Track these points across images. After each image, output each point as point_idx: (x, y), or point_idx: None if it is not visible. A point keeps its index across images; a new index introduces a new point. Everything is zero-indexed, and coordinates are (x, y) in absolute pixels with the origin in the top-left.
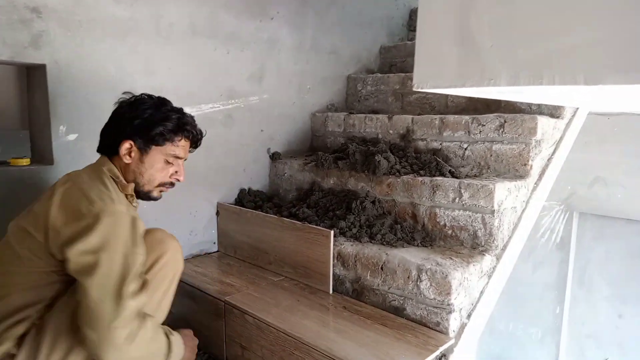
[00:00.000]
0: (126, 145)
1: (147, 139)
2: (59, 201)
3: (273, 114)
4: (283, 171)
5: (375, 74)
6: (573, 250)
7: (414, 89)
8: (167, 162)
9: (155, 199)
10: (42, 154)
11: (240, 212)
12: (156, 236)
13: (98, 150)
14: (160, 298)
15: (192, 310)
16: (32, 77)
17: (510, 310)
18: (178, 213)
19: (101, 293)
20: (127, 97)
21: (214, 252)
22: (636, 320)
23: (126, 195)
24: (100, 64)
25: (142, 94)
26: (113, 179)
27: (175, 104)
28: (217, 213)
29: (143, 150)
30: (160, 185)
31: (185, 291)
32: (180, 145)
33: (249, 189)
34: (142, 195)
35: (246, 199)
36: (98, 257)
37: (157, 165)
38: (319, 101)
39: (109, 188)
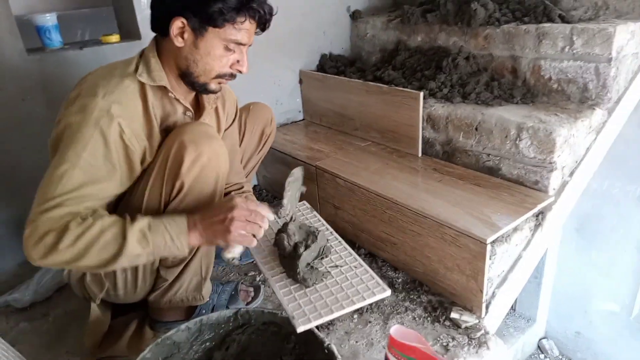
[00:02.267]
0: (178, 23)
1: (203, 18)
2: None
3: None
4: (365, 31)
5: None
6: None
7: None
8: (227, 49)
9: (213, 92)
10: (128, 29)
11: (323, 78)
12: (189, 136)
13: (152, 29)
14: (207, 201)
15: (285, 175)
16: None
17: (606, 167)
18: (263, 83)
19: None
20: None
21: (300, 120)
22: None
23: (161, 88)
24: None
25: None
26: (142, 68)
27: None
28: (300, 81)
29: (198, 32)
30: (218, 76)
31: (277, 157)
32: (244, 29)
33: (330, 53)
34: (198, 87)
35: (328, 64)
36: (51, 154)
37: (214, 52)
38: None
39: (114, 79)
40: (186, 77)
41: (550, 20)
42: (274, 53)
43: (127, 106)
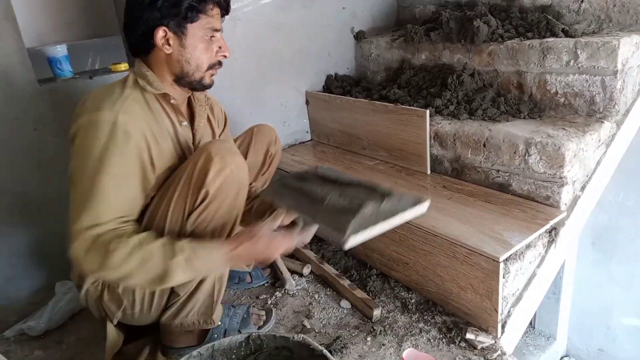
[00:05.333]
0: (160, 33)
1: (180, 19)
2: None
3: None
4: (369, 51)
5: None
6: None
7: None
8: (208, 39)
9: (208, 87)
10: None
11: (329, 99)
12: (215, 150)
13: (134, 54)
14: (227, 212)
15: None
16: None
17: (620, 179)
18: (269, 104)
19: (72, 212)
20: None
21: (308, 141)
22: None
23: (162, 96)
24: None
25: None
26: (141, 81)
27: None
28: (307, 102)
29: (180, 33)
30: (209, 68)
31: None
32: (214, 15)
33: (336, 74)
34: (196, 84)
35: (334, 85)
36: (70, 169)
37: (200, 45)
38: None
39: (115, 93)
40: (183, 78)
41: (554, 34)
42: (280, 75)
43: (132, 112)
